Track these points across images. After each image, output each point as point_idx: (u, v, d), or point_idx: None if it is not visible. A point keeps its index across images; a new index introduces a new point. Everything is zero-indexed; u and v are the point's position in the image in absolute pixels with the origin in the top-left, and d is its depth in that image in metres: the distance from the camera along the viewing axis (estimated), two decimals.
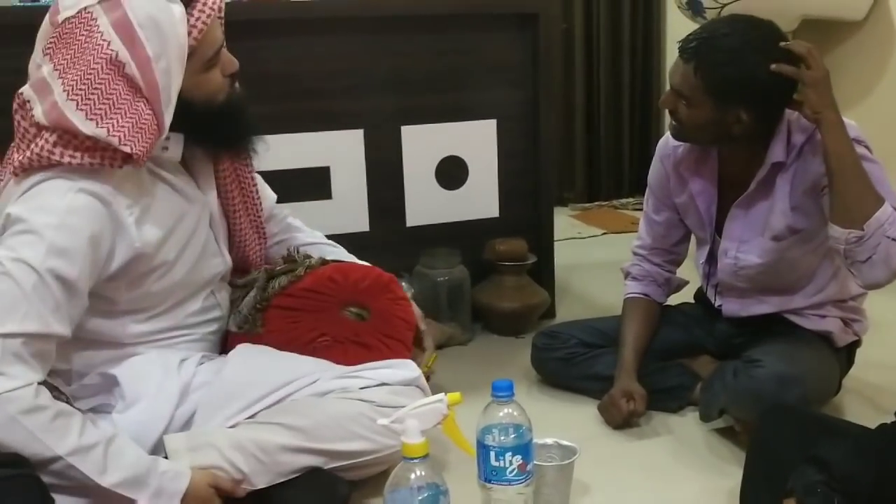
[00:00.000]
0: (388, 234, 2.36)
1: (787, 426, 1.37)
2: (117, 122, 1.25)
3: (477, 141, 2.40)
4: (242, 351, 1.48)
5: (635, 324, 1.90)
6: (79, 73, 1.24)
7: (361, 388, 1.44)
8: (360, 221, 2.34)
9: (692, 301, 2.04)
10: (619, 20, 4.18)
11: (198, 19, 1.32)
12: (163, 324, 1.43)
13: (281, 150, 2.20)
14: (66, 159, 1.25)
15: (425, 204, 2.39)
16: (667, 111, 1.74)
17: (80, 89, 1.24)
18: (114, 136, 1.25)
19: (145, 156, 1.29)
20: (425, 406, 1.25)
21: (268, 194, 1.74)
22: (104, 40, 1.25)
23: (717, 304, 1.88)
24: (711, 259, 1.86)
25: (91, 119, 1.24)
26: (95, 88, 1.24)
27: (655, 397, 1.86)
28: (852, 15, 3.03)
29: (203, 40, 1.34)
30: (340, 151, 2.28)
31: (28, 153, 1.26)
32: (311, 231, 1.85)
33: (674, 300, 2.04)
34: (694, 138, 1.74)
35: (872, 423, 1.27)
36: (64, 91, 1.24)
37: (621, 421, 1.79)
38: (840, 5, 3.01)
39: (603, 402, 1.84)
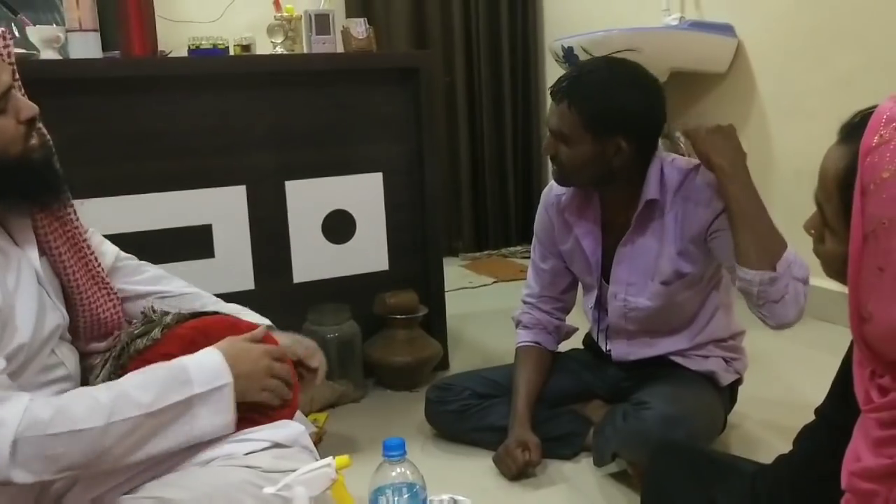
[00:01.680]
0: (275, 292, 2.31)
1: (677, 464, 1.38)
2: None
3: (364, 194, 2.39)
4: None
5: (527, 372, 1.91)
6: None
7: (246, 454, 1.37)
8: (244, 280, 2.27)
9: (581, 347, 2.07)
10: (499, 73, 4.31)
11: None
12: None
13: (160, 209, 2.15)
14: None
15: (312, 259, 2.35)
16: (549, 158, 1.78)
17: None
18: None
19: None
20: (313, 471, 1.21)
21: (105, 249, 1.63)
22: None
23: (606, 349, 1.91)
24: (599, 304, 1.90)
25: None
26: None
27: (549, 445, 1.86)
28: (715, 68, 3.21)
29: None
30: (222, 209, 2.23)
31: None
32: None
33: (563, 346, 2.06)
34: (577, 179, 1.77)
35: (758, 457, 1.31)
36: None
37: (517, 472, 1.78)
38: (704, 59, 3.19)
39: (498, 454, 1.83)
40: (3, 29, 1.31)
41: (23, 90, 1.36)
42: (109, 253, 1.63)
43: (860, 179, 0.83)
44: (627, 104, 1.66)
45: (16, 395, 1.18)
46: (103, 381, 1.41)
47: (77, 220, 1.47)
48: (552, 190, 1.90)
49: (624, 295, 1.81)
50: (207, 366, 1.32)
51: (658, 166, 1.74)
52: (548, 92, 1.79)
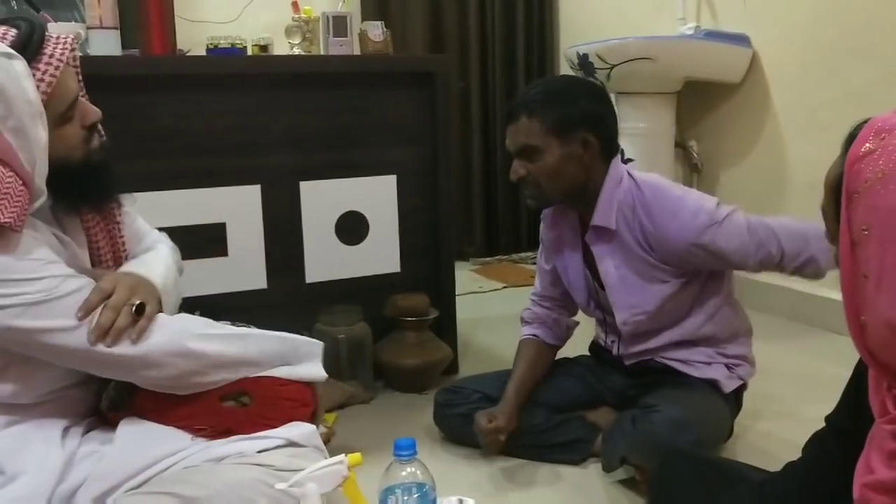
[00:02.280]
0: (287, 292, 2.32)
1: (685, 472, 1.38)
2: None
3: (377, 196, 2.40)
4: (132, 419, 1.41)
5: (522, 362, 1.95)
6: None
7: (259, 452, 1.38)
8: (257, 278, 2.29)
9: (588, 353, 2.08)
10: (514, 79, 4.31)
11: (45, 72, 1.25)
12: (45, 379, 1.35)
13: (175, 207, 2.16)
14: None
15: (325, 260, 2.36)
16: (519, 184, 1.80)
17: None
18: None
19: (17, 221, 1.22)
20: (325, 468, 1.22)
21: (143, 237, 1.64)
22: None
23: (608, 343, 1.93)
24: (596, 306, 1.92)
25: None
26: None
27: (558, 450, 1.87)
28: (730, 78, 3.21)
29: (54, 94, 1.27)
30: (237, 208, 2.24)
31: None
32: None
33: (572, 352, 2.07)
34: (553, 192, 1.77)
35: (764, 466, 1.31)
36: None
37: (485, 442, 1.82)
38: (719, 69, 3.19)
39: (475, 420, 1.84)
40: (71, 36, 1.32)
41: (85, 93, 1.39)
42: (146, 241, 1.63)
43: (846, 187, 0.85)
44: (582, 101, 1.73)
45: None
46: (115, 390, 1.44)
47: (120, 216, 1.50)
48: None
49: (633, 318, 1.82)
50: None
51: (615, 183, 1.76)
52: None
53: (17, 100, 1.20)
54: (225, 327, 1.44)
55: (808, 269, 1.71)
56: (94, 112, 1.37)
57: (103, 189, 1.41)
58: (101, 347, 1.29)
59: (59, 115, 1.30)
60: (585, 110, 1.72)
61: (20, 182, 1.23)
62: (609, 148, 1.77)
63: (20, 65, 1.22)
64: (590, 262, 1.87)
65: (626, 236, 1.76)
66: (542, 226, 1.99)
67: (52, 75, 1.26)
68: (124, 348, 1.31)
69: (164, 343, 1.34)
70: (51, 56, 1.26)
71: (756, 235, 1.69)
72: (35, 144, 1.24)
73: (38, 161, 1.25)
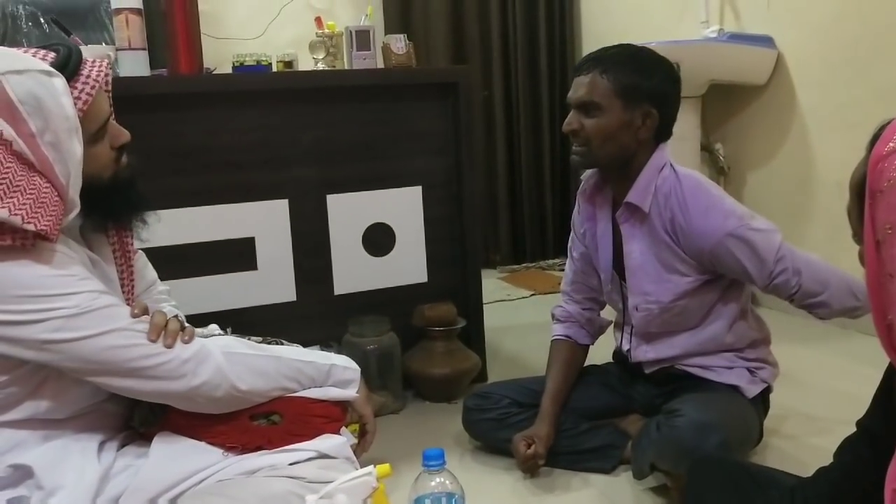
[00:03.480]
0: (316, 304, 2.34)
1: (717, 478, 1.38)
2: (17, 200, 1.21)
3: (403, 207, 2.42)
4: (167, 434, 1.43)
5: (556, 371, 1.94)
6: None
7: (291, 464, 1.40)
8: (286, 291, 2.31)
9: (613, 361, 2.07)
10: (537, 86, 4.32)
11: (82, 91, 1.30)
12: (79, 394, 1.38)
13: (204, 222, 2.19)
14: None
15: (353, 272, 2.38)
16: (571, 136, 1.79)
17: None
18: (16, 215, 1.21)
19: (53, 230, 1.26)
20: (354, 480, 1.23)
21: (147, 274, 1.70)
22: None
23: (626, 349, 1.92)
24: (623, 298, 1.91)
25: None
26: None
27: (588, 458, 1.87)
28: (755, 80, 3.20)
29: (88, 113, 1.32)
30: (265, 222, 2.27)
31: None
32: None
33: (600, 359, 2.06)
34: (602, 154, 1.76)
35: (795, 471, 1.30)
36: None
37: (521, 466, 1.81)
38: (743, 71, 3.18)
39: (513, 443, 1.84)
40: (107, 61, 1.37)
41: (114, 116, 1.43)
42: (148, 278, 1.69)
43: (869, 187, 0.84)
44: (656, 75, 1.72)
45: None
46: (147, 406, 1.46)
47: (132, 239, 1.53)
48: (586, 174, 1.93)
49: (645, 304, 1.82)
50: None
51: (656, 168, 1.76)
52: None
53: (56, 115, 1.24)
54: (264, 354, 1.45)
55: (818, 311, 1.73)
56: (124, 134, 1.41)
57: (130, 206, 1.45)
58: (149, 377, 1.33)
59: (91, 134, 1.34)
60: (657, 85, 1.72)
61: (55, 193, 1.26)
62: (664, 130, 1.77)
63: (59, 82, 1.26)
64: (617, 247, 1.86)
65: (656, 222, 1.76)
66: (577, 203, 1.96)
67: (88, 94, 1.30)
68: (170, 384, 1.33)
69: (210, 379, 1.36)
70: (87, 77, 1.31)
71: (783, 262, 1.69)
72: (70, 158, 1.28)
73: (72, 175, 1.29)
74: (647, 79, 1.71)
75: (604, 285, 1.94)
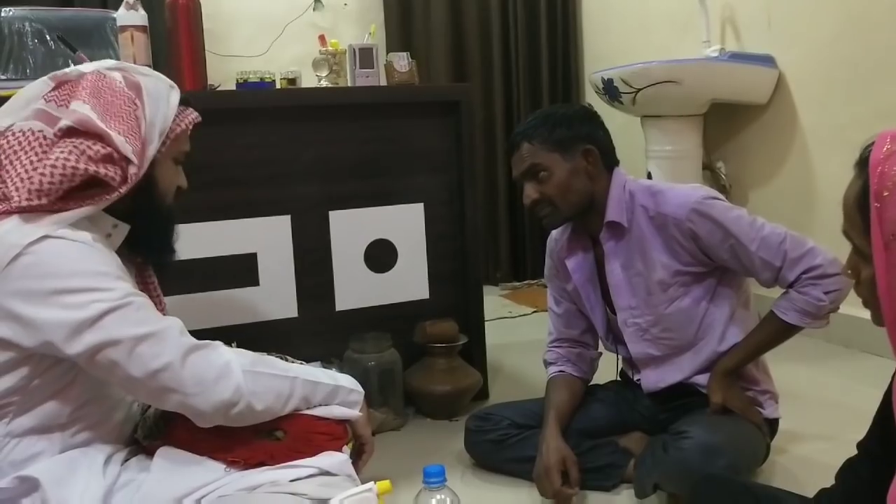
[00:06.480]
0: (317, 320, 2.35)
1: (720, 497, 1.37)
2: (123, 130, 1.36)
3: (405, 224, 2.43)
4: (169, 449, 1.43)
5: (556, 393, 1.94)
6: (103, 99, 1.37)
7: (292, 481, 1.40)
8: (288, 307, 2.32)
9: (618, 379, 2.07)
10: (538, 105, 4.32)
11: (186, 116, 1.50)
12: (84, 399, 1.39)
13: (207, 238, 2.20)
14: (83, 165, 1.29)
15: (354, 288, 2.38)
16: (534, 209, 1.85)
17: (103, 107, 1.36)
18: (117, 133, 1.33)
19: (140, 166, 1.38)
20: (354, 496, 1.22)
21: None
22: (121, 86, 1.41)
23: (636, 378, 1.92)
24: (615, 337, 1.94)
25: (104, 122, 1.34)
26: (117, 109, 1.38)
27: (589, 476, 1.86)
28: (756, 99, 3.21)
29: (181, 136, 1.49)
30: (267, 238, 2.28)
31: (41, 168, 1.29)
32: None
33: (602, 378, 2.06)
34: (568, 207, 1.82)
35: (799, 492, 1.30)
36: (86, 104, 1.35)
37: (552, 496, 1.78)
38: (745, 90, 3.19)
39: (537, 472, 1.80)
40: (196, 114, 1.54)
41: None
42: None
43: (873, 190, 0.85)
44: (574, 118, 1.83)
45: (214, 342, 1.38)
46: (153, 418, 1.47)
47: (154, 281, 1.60)
48: (553, 235, 2.01)
49: (632, 319, 1.84)
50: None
51: (620, 186, 1.82)
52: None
53: (161, 114, 1.45)
54: (281, 374, 1.44)
55: (824, 282, 1.75)
56: (184, 180, 1.55)
57: (165, 242, 1.53)
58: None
59: (176, 153, 1.51)
60: (579, 128, 1.81)
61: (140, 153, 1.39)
62: (609, 156, 1.85)
63: (176, 97, 1.49)
64: (605, 283, 1.89)
65: (637, 234, 1.80)
66: (549, 264, 2.03)
67: (186, 122, 1.51)
68: (190, 400, 1.34)
69: (231, 398, 1.36)
70: (189, 112, 1.53)
71: (759, 220, 1.76)
72: (150, 149, 1.42)
73: (146, 160, 1.41)
74: (567, 126, 1.80)
75: (600, 331, 1.97)
